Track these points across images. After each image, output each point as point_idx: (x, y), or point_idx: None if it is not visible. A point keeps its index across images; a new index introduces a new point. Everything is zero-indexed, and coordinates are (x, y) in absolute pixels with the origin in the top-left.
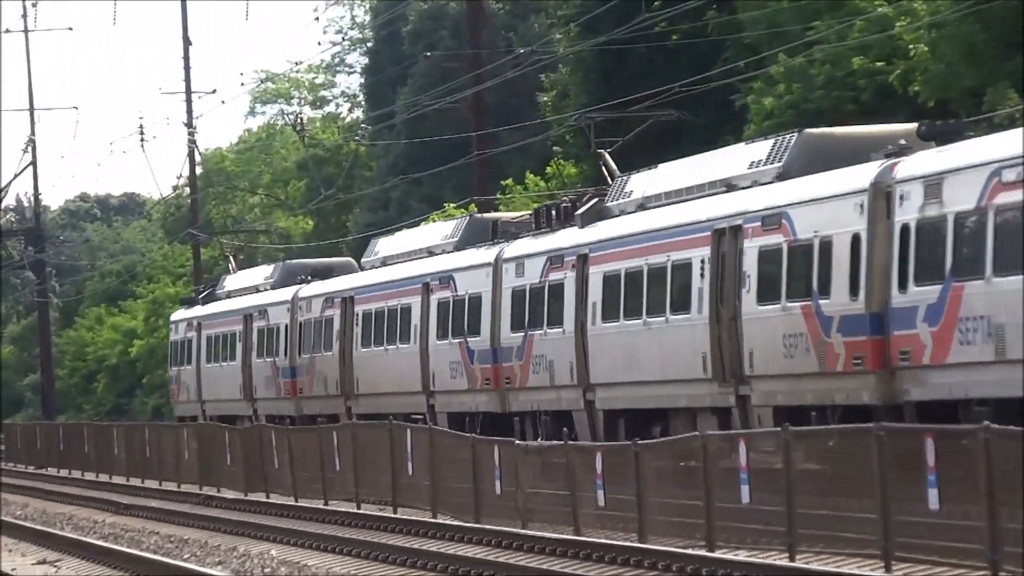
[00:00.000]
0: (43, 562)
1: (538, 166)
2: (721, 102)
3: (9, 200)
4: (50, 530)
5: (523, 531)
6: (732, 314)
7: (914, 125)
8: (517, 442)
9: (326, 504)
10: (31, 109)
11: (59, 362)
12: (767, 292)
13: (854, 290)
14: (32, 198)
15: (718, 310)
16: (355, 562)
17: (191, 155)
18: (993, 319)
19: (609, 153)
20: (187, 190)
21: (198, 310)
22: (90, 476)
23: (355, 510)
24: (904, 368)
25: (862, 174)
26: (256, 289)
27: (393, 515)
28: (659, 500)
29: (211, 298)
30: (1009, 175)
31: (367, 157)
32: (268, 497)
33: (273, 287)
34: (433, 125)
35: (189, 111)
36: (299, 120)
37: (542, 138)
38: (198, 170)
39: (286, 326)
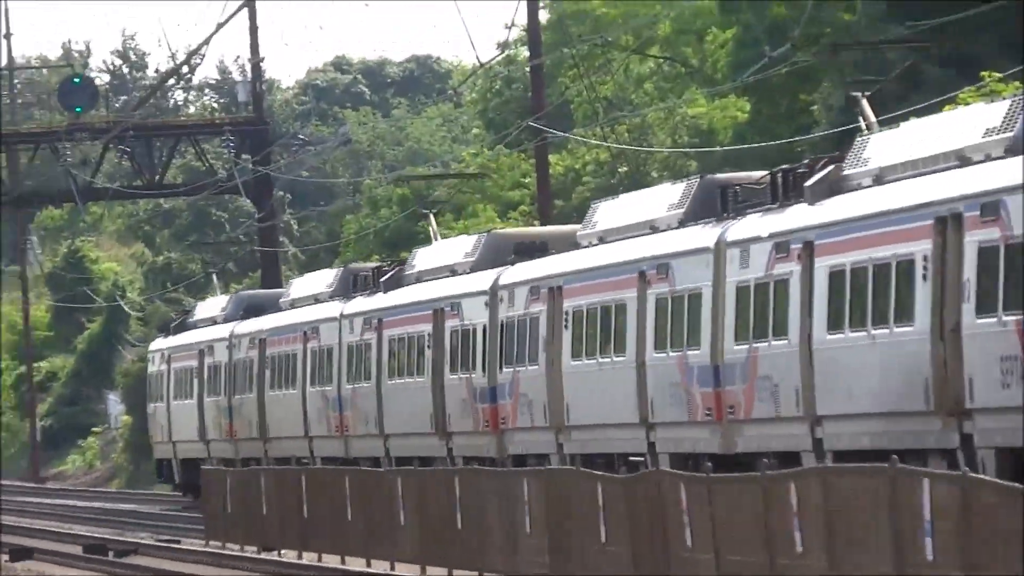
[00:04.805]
0: None
1: None
2: None
3: (208, 69)
4: None
5: None
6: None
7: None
8: None
9: None
10: None
11: None
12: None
13: (483, 368)
14: (249, 68)
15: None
16: None
17: None
18: (529, 396)
19: None
20: (524, 51)
21: (170, 340)
22: (356, 566)
23: None
24: (504, 430)
25: (488, 279)
26: (213, 321)
27: None
28: None
29: (182, 327)
30: (534, 294)
31: None
32: None
33: (226, 320)
34: None
35: None
36: None
37: None
38: (543, 17)
39: (225, 364)
